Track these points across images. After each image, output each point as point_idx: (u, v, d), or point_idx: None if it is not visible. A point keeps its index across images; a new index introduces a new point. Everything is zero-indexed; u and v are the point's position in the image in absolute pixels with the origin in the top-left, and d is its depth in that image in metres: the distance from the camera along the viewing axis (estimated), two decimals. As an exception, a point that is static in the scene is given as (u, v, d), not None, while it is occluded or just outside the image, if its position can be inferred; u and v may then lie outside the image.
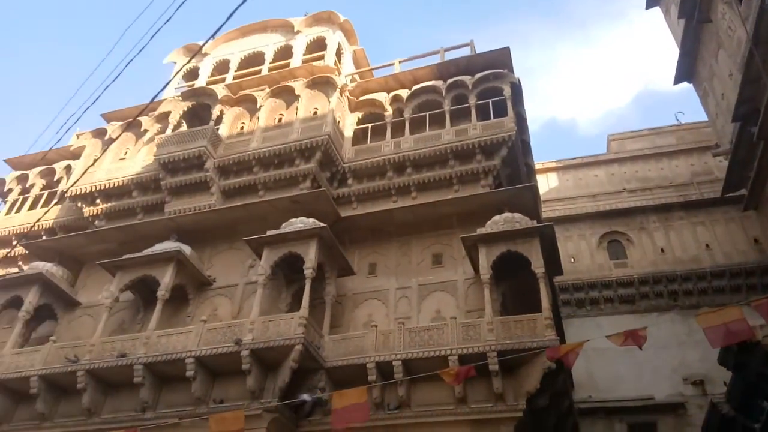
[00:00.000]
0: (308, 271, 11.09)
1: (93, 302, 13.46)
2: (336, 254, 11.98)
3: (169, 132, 14.84)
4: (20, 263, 15.76)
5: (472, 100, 14.33)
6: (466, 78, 14.75)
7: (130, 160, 15.33)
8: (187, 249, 12.60)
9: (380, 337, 10.66)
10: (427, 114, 14.67)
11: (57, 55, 52.77)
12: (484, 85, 14.58)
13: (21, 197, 17.42)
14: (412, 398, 10.34)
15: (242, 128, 15.12)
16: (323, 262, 11.60)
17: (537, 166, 19.27)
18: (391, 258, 12.90)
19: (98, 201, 14.91)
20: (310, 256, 11.23)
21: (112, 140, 15.09)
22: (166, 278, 11.88)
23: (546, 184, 22.59)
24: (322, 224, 11.60)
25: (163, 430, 10.34)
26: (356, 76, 16.90)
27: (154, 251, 12.39)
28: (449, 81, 14.87)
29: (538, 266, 10.57)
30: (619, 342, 7.36)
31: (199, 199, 13.96)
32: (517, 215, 11.56)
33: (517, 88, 14.49)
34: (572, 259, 19.79)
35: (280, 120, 14.91)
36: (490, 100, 14.31)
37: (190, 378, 10.28)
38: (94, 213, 14.94)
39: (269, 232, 11.78)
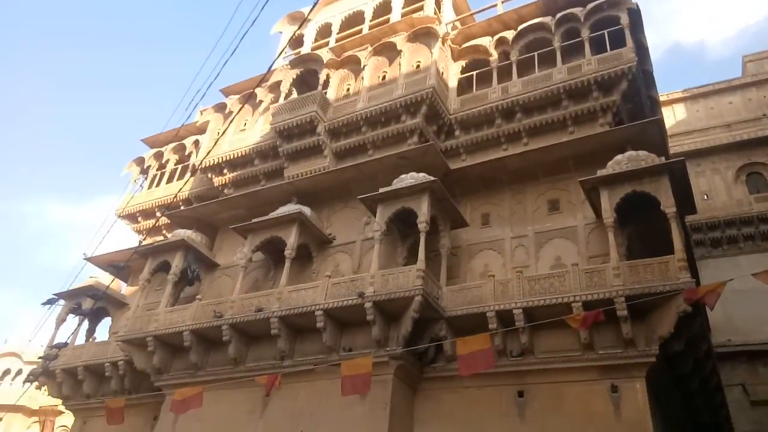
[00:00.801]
0: (422, 225, 11.25)
1: (229, 263, 14.73)
2: (448, 207, 12.01)
3: (281, 101, 15.51)
4: (164, 232, 17.55)
5: (585, 33, 13.40)
6: (577, 10, 13.77)
7: (250, 130, 16.28)
8: (307, 210, 13.27)
9: (498, 286, 10.65)
10: (536, 54, 13.96)
11: (179, 41, 56.49)
12: (598, 15, 13.53)
13: (159, 172, 19.22)
14: (536, 345, 10.32)
15: (348, 90, 15.41)
16: (436, 215, 11.69)
17: (662, 98, 17.71)
18: (505, 207, 12.71)
19: (225, 171, 16.12)
20: (423, 210, 11.36)
21: (231, 114, 16.08)
22: (291, 238, 12.66)
23: (672, 116, 20.81)
24: (432, 178, 11.63)
25: (300, 375, 11.32)
26: (457, 23, 16.43)
27: (278, 214, 13.20)
28: (558, 16, 13.97)
29: (668, 206, 9.88)
30: (767, 280, 6.79)
31: (313, 162, 14.55)
32: (642, 153, 10.80)
33: (635, 15, 13.28)
34: (705, 196, 18.27)
35: (383, 78, 14.97)
36: (605, 31, 13.28)
37: (321, 329, 11.00)
38: (223, 182, 16.19)
39: (381, 190, 12.05)
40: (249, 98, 16.32)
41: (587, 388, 9.78)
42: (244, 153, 15.78)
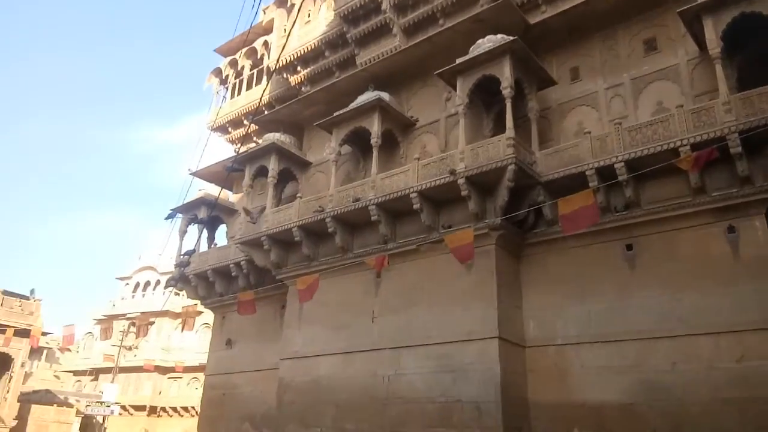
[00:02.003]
0: (506, 90, 10.78)
1: (320, 160, 15.17)
2: (532, 66, 11.35)
3: (340, -17, 14.83)
4: (255, 138, 18.21)
5: None
6: None
7: (314, 21, 15.90)
8: (385, 96, 13.11)
9: (596, 142, 10.21)
10: None
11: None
12: None
13: (237, 80, 19.56)
14: (642, 197, 10.01)
15: (409, -43, 14.36)
16: (520, 77, 11.11)
17: None
18: (595, 56, 11.81)
19: (299, 68, 16.10)
20: (505, 74, 10.83)
21: (294, 6, 15.69)
22: (375, 126, 12.69)
23: None
24: (511, 38, 10.91)
25: (405, 255, 11.87)
26: None
27: (358, 104, 13.16)
28: None
29: (786, 25, 8.69)
30: None
31: (384, 44, 14.10)
32: (749, -32, 9.38)
33: None
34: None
35: (445, -65, 13.73)
36: None
37: (418, 210, 11.28)
38: (299, 80, 16.24)
39: (459, 60, 11.54)
40: (308, -14, 15.77)
41: (701, 232, 9.50)
42: (313, 46, 15.57)
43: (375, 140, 12.63)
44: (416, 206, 11.24)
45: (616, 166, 9.76)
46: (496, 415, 9.72)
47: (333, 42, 15.27)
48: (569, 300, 10.56)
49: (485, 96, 11.83)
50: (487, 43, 11.35)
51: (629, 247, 10.20)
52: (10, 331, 22.89)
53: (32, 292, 28.37)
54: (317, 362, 12.77)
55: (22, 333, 25.03)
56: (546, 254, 11.12)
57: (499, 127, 11.43)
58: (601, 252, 10.43)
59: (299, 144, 16.23)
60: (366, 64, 14.17)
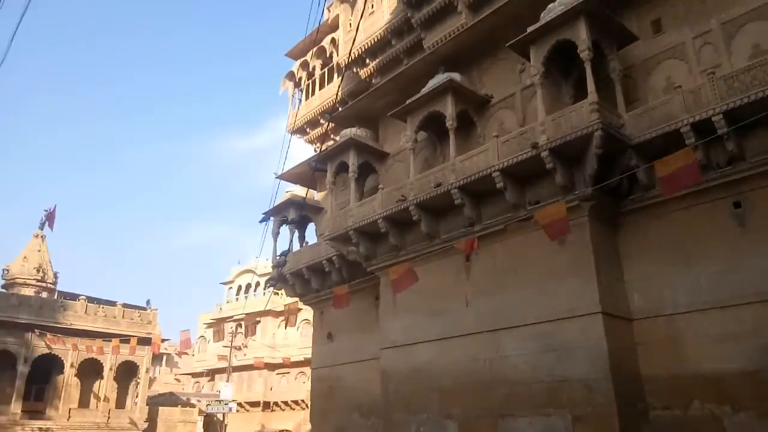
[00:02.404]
0: (584, 53, 10.25)
1: (398, 149, 15.20)
2: (610, 25, 10.70)
3: (399, -31, 14.72)
4: (332, 135, 18.57)
5: None
6: None
7: (378, 11, 15.91)
8: (456, 76, 12.89)
9: (688, 96, 9.49)
10: None
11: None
12: None
13: (309, 81, 20.01)
14: (746, 149, 9.19)
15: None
16: (597, 38, 10.52)
17: None
18: (677, 5, 10.95)
19: (367, 60, 16.20)
20: (582, 36, 10.29)
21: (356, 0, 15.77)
22: (449, 109, 12.52)
23: None
24: (585, -3, 10.34)
25: (494, 237, 11.68)
26: None
27: (429, 88, 13.03)
28: None
29: None
30: None
31: (450, 23, 13.84)
32: None
33: None
34: None
35: None
36: None
37: (501, 189, 11.03)
38: (369, 73, 16.35)
39: (530, 29, 11.10)
40: (369, -22, 15.80)
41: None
42: (379, 36, 15.59)
43: (450, 123, 12.47)
44: (500, 185, 10.99)
45: (713, 119, 9.02)
46: (607, 391, 9.38)
47: (398, 29, 15.21)
48: (675, 267, 9.94)
49: (562, 62, 11.31)
50: (559, 6, 10.84)
51: (737, 205, 9.42)
52: (134, 341, 24.98)
53: (148, 302, 30.72)
54: (416, 350, 12.89)
55: (144, 341, 27.30)
56: (645, 221, 10.51)
57: (580, 94, 10.90)
58: (707, 212, 9.72)
59: (375, 136, 16.36)
60: (433, 46, 13.99)
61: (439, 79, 12.97)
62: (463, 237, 12.02)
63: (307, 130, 20.04)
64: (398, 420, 12.84)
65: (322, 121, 19.11)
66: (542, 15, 11.11)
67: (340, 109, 17.27)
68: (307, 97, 19.98)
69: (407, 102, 13.45)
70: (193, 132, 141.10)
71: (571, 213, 9.80)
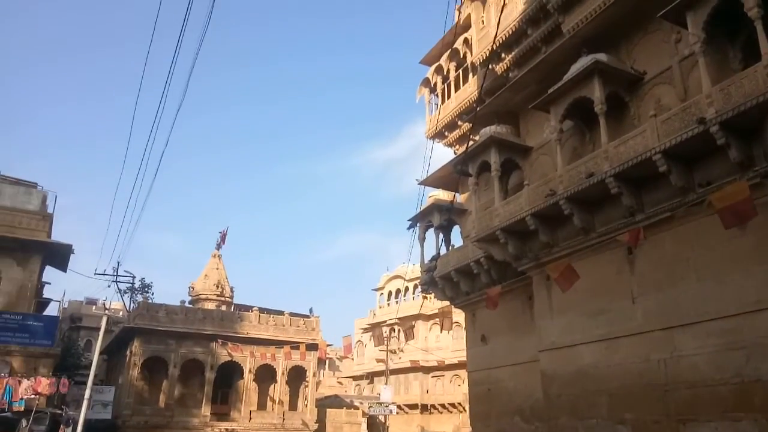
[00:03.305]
0: (752, 11, 8.92)
1: (541, 142, 14.60)
2: (785, -28, 9.27)
3: (529, -44, 14.18)
4: (471, 136, 18.36)
5: None
6: None
7: (511, 3, 15.41)
8: (602, 56, 12.03)
9: None
10: None
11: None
12: None
13: (444, 85, 20.04)
14: None
15: None
16: (770, -10, 9.16)
17: None
18: None
19: (503, 55, 15.78)
20: (750, -10, 9.03)
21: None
22: (596, 92, 11.72)
23: None
24: (749, -53, 9.08)
25: (659, 225, 10.66)
26: None
27: (572, 73, 12.32)
28: None
29: None
30: None
31: (590, 2, 12.89)
32: None
33: None
34: None
35: None
36: None
37: (665, 172, 10.04)
38: (505, 67, 15.91)
39: (681, -6, 10.01)
40: (498, -29, 15.44)
41: None
42: (514, 28, 15.10)
43: (600, 107, 11.65)
44: (663, 168, 10.01)
45: None
46: (811, 394, 8.08)
47: (534, 17, 14.62)
48: None
49: (725, 24, 10.05)
50: (718, -37, 9.65)
51: None
52: (302, 347, 26.91)
53: (311, 310, 32.82)
54: (578, 351, 12.20)
55: (310, 347, 29.24)
56: None
57: (751, 57, 9.56)
58: None
59: (516, 131, 15.88)
60: (574, 29, 13.18)
61: (584, 62, 12.21)
62: (623, 228, 11.15)
63: (446, 133, 20.06)
64: (564, 425, 12.22)
65: (459, 122, 19.03)
66: (697, -24, 9.96)
67: (477, 108, 17.04)
68: (443, 101, 20.02)
69: (549, 91, 12.85)
70: (335, 149, 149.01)
71: (753, 192, 8.62)
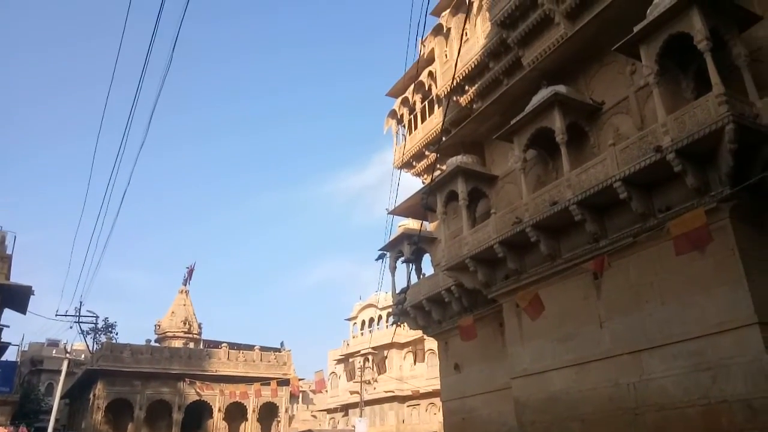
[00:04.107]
0: (702, 44, 9.42)
1: (507, 171, 14.88)
2: (727, 7, 9.81)
3: (489, -8, 14.66)
4: (438, 166, 18.61)
5: None
6: None
7: (473, 38, 15.88)
8: (562, 88, 12.44)
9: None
10: None
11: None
12: None
13: (411, 117, 20.33)
14: None
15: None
16: (714, 24, 9.66)
17: None
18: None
19: (466, 87, 16.15)
20: (697, 26, 9.48)
21: (450, 31, 15.89)
22: (557, 123, 12.07)
23: None
24: (693, -16, 9.60)
25: (623, 251, 10.89)
26: None
27: (534, 105, 12.68)
28: None
29: None
30: None
31: (548, 36, 13.44)
32: None
33: None
34: None
35: None
36: None
37: (625, 199, 10.33)
38: (469, 99, 16.28)
39: (636, 28, 10.46)
40: (458, 7, 15.88)
41: None
42: (476, 62, 15.51)
43: (560, 137, 11.99)
44: (623, 195, 10.30)
45: None
46: (776, 413, 8.25)
47: (495, 51, 15.06)
48: None
49: (677, 55, 10.52)
50: (665, -1, 10.15)
51: None
52: (273, 383, 26.31)
53: (282, 344, 32.33)
54: (549, 377, 12.25)
55: (282, 383, 28.64)
56: (800, 217, 9.29)
57: (703, 87, 10.03)
58: None
59: (482, 161, 16.16)
60: (533, 62, 13.65)
61: (544, 93, 12.59)
62: (588, 254, 11.38)
63: (413, 163, 20.28)
64: (539, 453, 12.18)
65: (426, 153, 19.27)
66: (649, 11, 10.45)
67: (444, 138, 17.33)
68: (410, 132, 20.28)
69: (512, 122, 13.18)
70: (306, 178, 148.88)
71: (709, 216, 8.93)
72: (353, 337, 45.39)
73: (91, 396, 27.11)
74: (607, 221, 11.28)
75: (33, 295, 20.87)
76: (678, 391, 9.62)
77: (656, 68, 10.16)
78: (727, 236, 9.29)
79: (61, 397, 21.41)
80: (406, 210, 19.76)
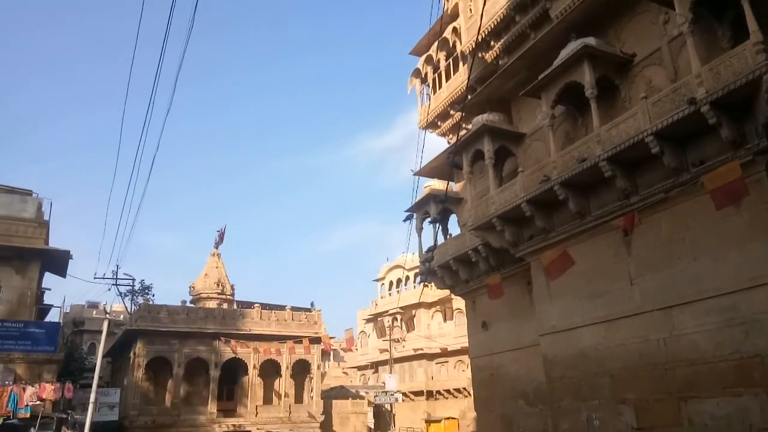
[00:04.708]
0: (740, -12, 9.00)
1: (534, 128, 14.63)
2: (769, -51, 9.28)
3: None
4: (464, 125, 18.38)
5: None
6: None
7: (497, -10, 15.40)
8: (591, 40, 12.04)
9: None
10: None
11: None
12: None
13: (435, 75, 20.00)
14: None
15: None
16: (755, -32, 9.17)
17: None
18: None
19: (492, 43, 15.75)
20: (735, -30, 9.05)
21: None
22: (586, 76, 11.74)
23: None
24: (733, -75, 9.09)
25: (654, 207, 10.74)
26: None
27: (562, 59, 12.33)
28: None
29: None
30: None
31: (575, -15, 12.95)
32: None
33: None
34: None
35: None
36: None
37: (657, 154, 10.10)
38: (495, 55, 15.89)
39: (670, -26, 10.01)
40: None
41: None
42: (502, 15, 15.07)
43: (590, 91, 11.68)
44: (655, 150, 10.07)
45: None
46: (809, 366, 8.20)
47: (521, 4, 14.58)
48: None
49: (713, 3, 10.07)
50: (701, -58, 9.65)
51: None
52: (306, 341, 27.02)
53: (312, 304, 32.94)
54: (578, 334, 12.32)
55: (313, 341, 29.40)
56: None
57: (740, 36, 9.60)
58: None
59: (509, 119, 15.90)
60: (562, 14, 13.19)
61: (573, 47, 12.22)
62: (618, 211, 11.24)
63: (439, 123, 20.06)
64: (567, 407, 12.38)
65: (452, 112, 19.02)
66: (683, -45, 9.95)
67: (469, 97, 17.04)
68: (434, 91, 19.99)
69: (540, 77, 12.87)
70: (330, 142, 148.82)
71: (745, 170, 8.70)
72: (381, 298, 46.05)
73: (132, 354, 28.31)
74: (638, 177, 11.07)
75: (71, 259, 21.60)
76: (709, 346, 9.61)
77: (690, 17, 9.75)
78: (764, 190, 9.07)
79: (103, 356, 22.40)
80: (431, 171, 19.67)
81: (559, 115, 13.44)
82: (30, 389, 16.68)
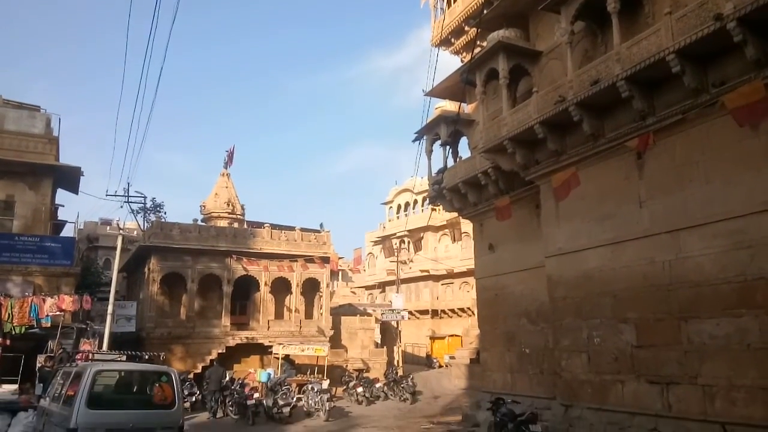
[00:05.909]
0: None
1: (552, 46, 14.08)
2: None
3: None
4: (478, 43, 17.72)
5: None
6: None
7: None
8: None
9: None
10: None
11: None
12: None
13: (450, -12, 19.06)
14: None
15: None
16: None
17: None
18: None
19: (511, -47, 14.89)
20: None
21: None
22: (609, -10, 11.15)
23: None
24: None
25: (670, 129, 10.51)
26: None
27: (585, -30, 11.68)
28: None
29: None
30: None
31: None
32: None
33: None
34: None
35: None
36: None
37: (678, 73, 9.75)
38: (513, -34, 15.04)
39: None
40: None
41: None
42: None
43: (612, 5, 11.12)
44: (676, 69, 9.71)
45: None
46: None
47: None
48: None
49: None
50: None
51: None
52: (316, 260, 27.56)
53: (321, 225, 33.30)
54: (584, 256, 12.46)
55: (322, 260, 30.03)
56: None
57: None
58: None
59: (526, 35, 15.29)
60: None
61: (596, -43, 11.51)
62: (633, 132, 11.03)
63: (452, 40, 19.34)
64: (568, 325, 12.74)
65: (466, 28, 18.28)
66: None
67: (485, 11, 16.32)
68: (449, 5, 19.14)
69: (560, -10, 12.24)
70: (336, 59, 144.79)
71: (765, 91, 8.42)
72: (389, 221, 46.49)
73: (146, 270, 29.11)
74: (655, 98, 10.76)
75: (83, 176, 21.78)
76: (714, 269, 9.71)
77: None
78: (785, 112, 8.80)
79: (119, 271, 23.08)
80: (443, 91, 19.22)
81: (578, 31, 12.88)
82: (50, 300, 17.29)
